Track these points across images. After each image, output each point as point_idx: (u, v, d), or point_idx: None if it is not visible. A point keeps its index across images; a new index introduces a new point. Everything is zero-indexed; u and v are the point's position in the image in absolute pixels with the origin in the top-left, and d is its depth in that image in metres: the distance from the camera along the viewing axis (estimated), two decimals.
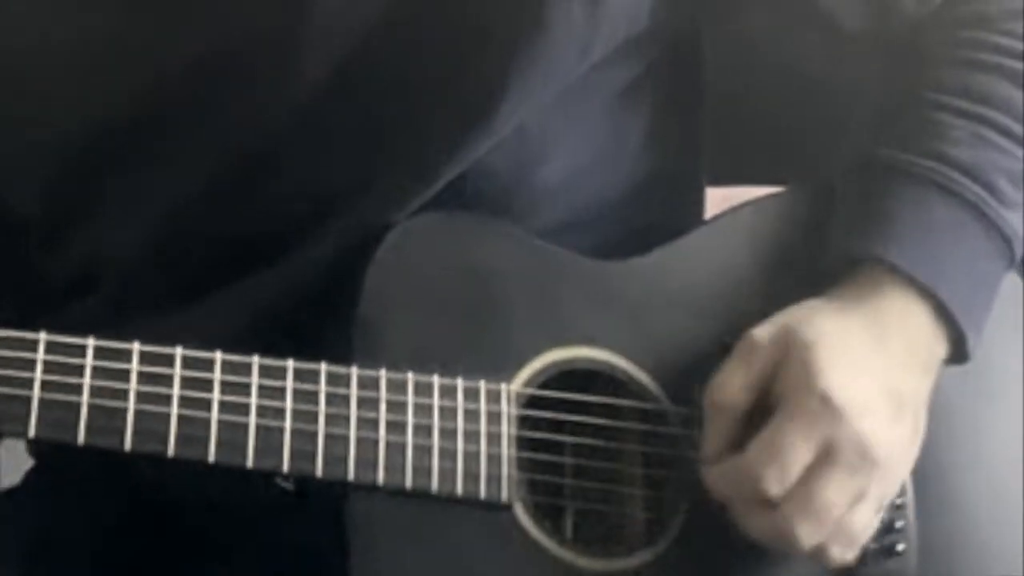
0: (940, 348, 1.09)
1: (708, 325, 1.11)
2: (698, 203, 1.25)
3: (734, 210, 1.17)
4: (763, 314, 1.09)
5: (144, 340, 1.03)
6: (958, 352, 1.10)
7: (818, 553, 1.05)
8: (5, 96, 1.11)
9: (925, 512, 1.14)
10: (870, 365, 1.06)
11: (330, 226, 1.10)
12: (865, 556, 1.09)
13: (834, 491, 1.04)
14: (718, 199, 1.22)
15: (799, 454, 1.03)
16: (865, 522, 1.06)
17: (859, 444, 1.04)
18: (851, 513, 1.05)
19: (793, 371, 1.05)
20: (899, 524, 1.12)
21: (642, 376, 1.10)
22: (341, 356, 1.05)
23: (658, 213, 1.19)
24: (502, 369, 1.07)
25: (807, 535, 1.04)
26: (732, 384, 1.06)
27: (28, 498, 1.24)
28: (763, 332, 1.07)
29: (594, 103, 1.16)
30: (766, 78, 1.27)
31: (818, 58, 1.22)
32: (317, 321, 1.09)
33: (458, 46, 1.09)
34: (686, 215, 1.21)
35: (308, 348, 1.05)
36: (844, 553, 1.06)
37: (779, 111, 1.28)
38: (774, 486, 1.03)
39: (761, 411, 1.07)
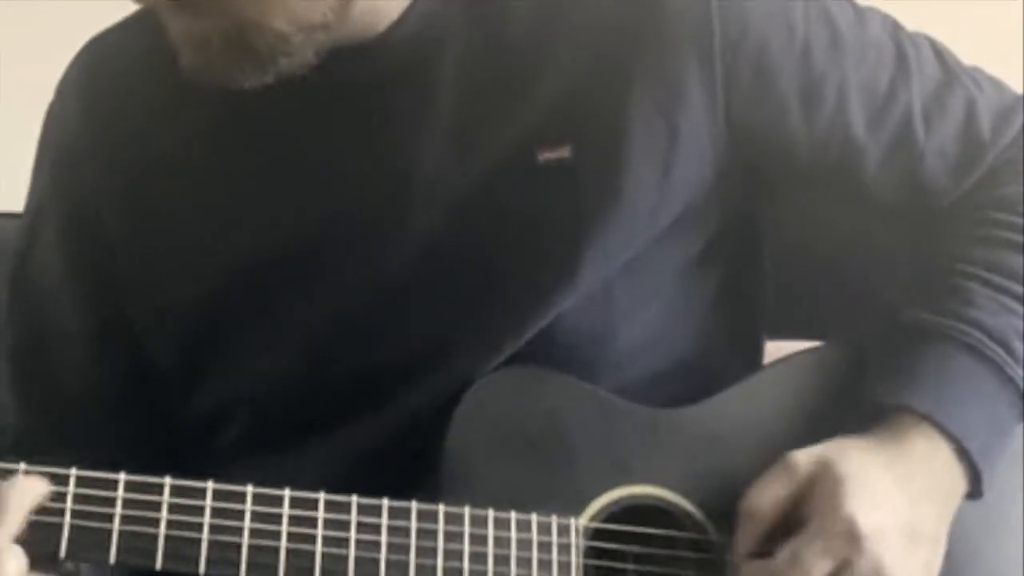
0: (959, 485, 1.23)
1: (751, 464, 1.23)
2: (757, 359, 1.38)
3: (777, 363, 1.31)
4: None
5: (265, 476, 1.17)
6: (974, 489, 1.23)
7: None
8: (149, 258, 1.27)
9: None
10: (892, 499, 1.20)
11: (430, 376, 1.23)
12: None
13: None
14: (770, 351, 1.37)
15: (819, 568, 1.17)
16: None
17: (874, 568, 1.17)
18: None
19: (823, 495, 1.19)
20: None
21: (693, 510, 1.23)
22: (430, 493, 1.18)
23: (722, 368, 1.31)
24: (572, 505, 1.20)
25: None
26: (766, 496, 1.20)
27: None
28: (802, 456, 1.21)
29: (667, 272, 1.28)
30: (813, 246, 1.41)
31: (857, 228, 1.36)
32: (412, 462, 1.21)
33: (544, 211, 1.23)
34: (747, 369, 1.33)
35: (403, 486, 1.18)
36: None
37: (824, 274, 1.43)
38: None
39: (786, 525, 1.20)
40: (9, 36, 2.21)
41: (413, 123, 1.23)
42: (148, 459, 1.19)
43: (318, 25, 1.16)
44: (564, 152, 1.23)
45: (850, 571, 1.17)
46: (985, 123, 1.30)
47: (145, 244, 1.27)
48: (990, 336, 1.24)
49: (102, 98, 1.29)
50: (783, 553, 1.18)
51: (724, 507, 1.23)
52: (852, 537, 1.17)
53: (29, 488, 1.11)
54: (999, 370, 1.24)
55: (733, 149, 1.26)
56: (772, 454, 1.23)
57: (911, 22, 1.36)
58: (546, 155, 1.23)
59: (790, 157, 1.28)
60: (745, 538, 1.21)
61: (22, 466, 1.13)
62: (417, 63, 1.23)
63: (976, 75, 1.33)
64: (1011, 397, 1.24)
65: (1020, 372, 1.24)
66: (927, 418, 1.22)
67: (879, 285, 1.35)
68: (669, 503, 1.23)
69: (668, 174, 1.24)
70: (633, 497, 1.22)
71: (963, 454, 1.22)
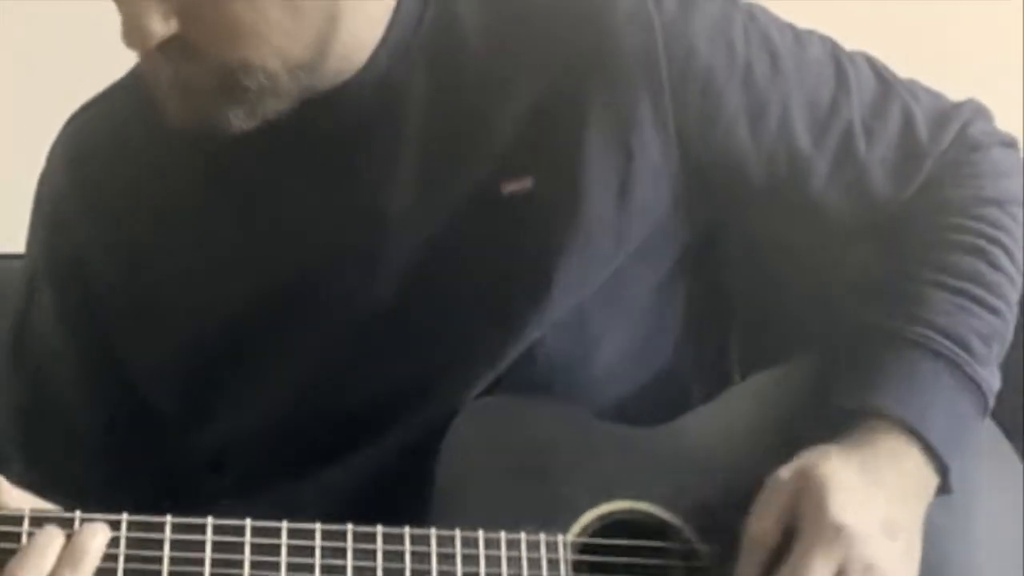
0: (930, 482, 1.28)
1: (731, 475, 1.28)
2: (727, 373, 1.43)
3: (747, 380, 1.37)
4: (777, 463, 1.26)
5: (264, 511, 1.20)
6: (942, 483, 1.28)
7: None
8: (141, 311, 1.32)
9: None
10: (870, 498, 1.24)
11: (415, 407, 1.28)
12: None
13: None
14: None
15: (821, 573, 1.21)
16: None
17: (866, 562, 1.22)
18: None
19: (810, 506, 1.23)
20: None
21: (678, 521, 1.27)
22: (424, 519, 1.22)
23: (695, 383, 1.37)
24: (560, 523, 1.24)
25: None
26: (764, 519, 1.24)
27: None
28: (784, 472, 1.26)
29: (638, 294, 1.34)
30: (774, 274, 1.47)
31: (816, 253, 1.41)
32: (406, 490, 1.26)
33: (511, 241, 1.28)
34: (718, 382, 1.38)
35: (398, 514, 1.22)
36: None
37: (787, 302, 1.48)
38: None
39: (783, 539, 1.25)
40: (14, 86, 2.26)
41: (383, 165, 1.28)
42: (149, 499, 1.24)
43: (303, 64, 1.22)
44: (527, 183, 1.28)
45: (847, 572, 1.21)
46: (922, 129, 1.36)
47: (136, 299, 1.32)
48: (947, 336, 1.29)
49: (89, 163, 1.35)
50: (786, 569, 1.22)
51: (707, 517, 1.28)
52: (843, 539, 1.22)
53: (99, 534, 1.15)
54: (958, 369, 1.29)
55: (688, 171, 1.31)
56: (750, 464, 1.28)
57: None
58: (510, 187, 1.28)
59: (742, 175, 1.33)
60: (750, 564, 1.25)
61: (78, 514, 1.17)
62: (384, 106, 1.28)
63: (912, 86, 1.38)
64: (972, 395, 1.30)
65: (979, 369, 1.29)
66: (891, 418, 1.27)
67: (840, 303, 1.39)
68: (654, 516, 1.27)
69: (626, 198, 1.29)
70: (619, 512, 1.26)
71: (929, 451, 1.27)
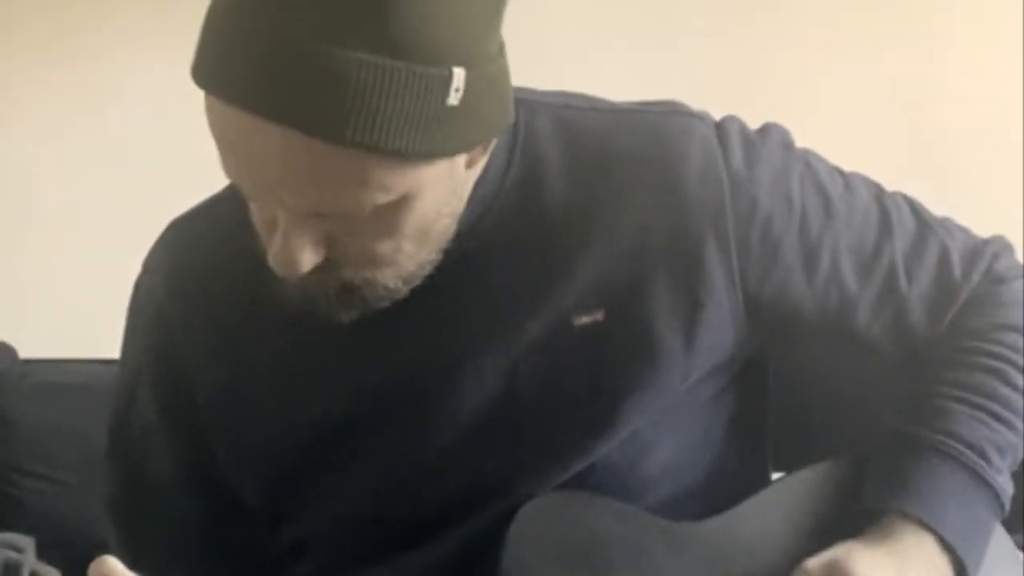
0: (946, 572, 1.40)
1: (767, 567, 1.41)
2: (766, 476, 1.55)
3: (785, 479, 1.49)
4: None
5: None
6: None
7: None
8: (235, 418, 1.43)
9: None
10: None
11: (490, 504, 1.40)
12: None
13: None
14: None
15: None
16: None
17: None
18: None
19: None
20: None
21: None
22: None
23: (736, 487, 1.48)
24: None
25: None
26: None
27: None
28: (815, 564, 1.38)
29: (688, 412, 1.45)
30: (814, 387, 1.61)
31: (854, 372, 1.55)
32: None
33: (581, 369, 1.39)
34: (757, 485, 1.50)
35: None
36: None
37: (825, 411, 1.62)
38: None
39: None
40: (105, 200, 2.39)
41: (468, 303, 1.38)
42: None
43: (419, 273, 1.34)
44: (598, 316, 1.39)
45: None
46: (956, 266, 1.48)
47: (231, 407, 1.42)
48: (966, 445, 1.43)
49: (190, 274, 1.43)
50: None
51: None
52: None
53: None
54: (975, 474, 1.42)
55: (750, 315, 1.43)
56: (785, 559, 1.41)
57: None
58: (582, 320, 1.39)
59: (796, 315, 1.45)
60: None
61: None
62: (474, 249, 1.37)
63: (947, 223, 1.51)
64: (987, 497, 1.43)
65: (994, 475, 1.43)
66: (912, 517, 1.40)
67: (873, 415, 1.52)
68: None
69: (693, 340, 1.40)
70: None
71: (946, 547, 1.39)
